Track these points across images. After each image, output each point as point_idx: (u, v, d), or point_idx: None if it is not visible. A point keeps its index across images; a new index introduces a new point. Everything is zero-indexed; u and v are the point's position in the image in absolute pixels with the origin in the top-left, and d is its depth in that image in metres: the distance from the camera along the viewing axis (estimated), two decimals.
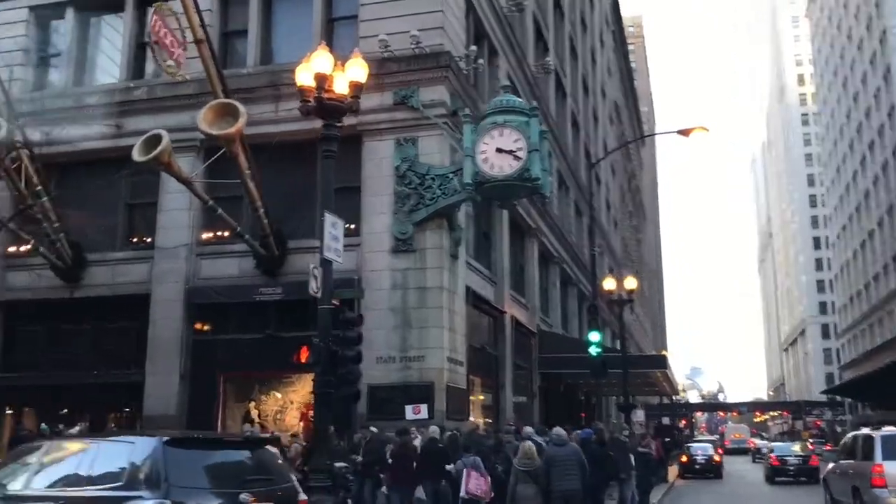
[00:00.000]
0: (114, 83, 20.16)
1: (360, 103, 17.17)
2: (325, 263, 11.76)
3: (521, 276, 25.79)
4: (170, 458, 7.26)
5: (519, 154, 15.04)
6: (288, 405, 19.02)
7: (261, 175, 16.92)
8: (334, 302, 11.87)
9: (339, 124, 12.14)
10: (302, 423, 18.15)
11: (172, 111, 18.60)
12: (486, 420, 21.44)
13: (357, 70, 12.28)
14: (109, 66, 20.69)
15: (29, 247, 18.73)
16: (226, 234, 18.52)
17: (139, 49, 20.22)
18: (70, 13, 20.78)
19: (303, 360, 12.57)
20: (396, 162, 17.53)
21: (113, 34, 20.97)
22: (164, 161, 15.20)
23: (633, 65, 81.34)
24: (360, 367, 12.16)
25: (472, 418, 19.27)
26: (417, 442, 14.43)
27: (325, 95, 11.81)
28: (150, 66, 20.04)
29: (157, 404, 17.85)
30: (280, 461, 8.87)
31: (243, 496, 7.41)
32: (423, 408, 16.36)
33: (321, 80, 11.82)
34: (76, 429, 16.17)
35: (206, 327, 18.61)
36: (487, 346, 21.95)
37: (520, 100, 16.67)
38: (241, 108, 14.77)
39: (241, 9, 19.92)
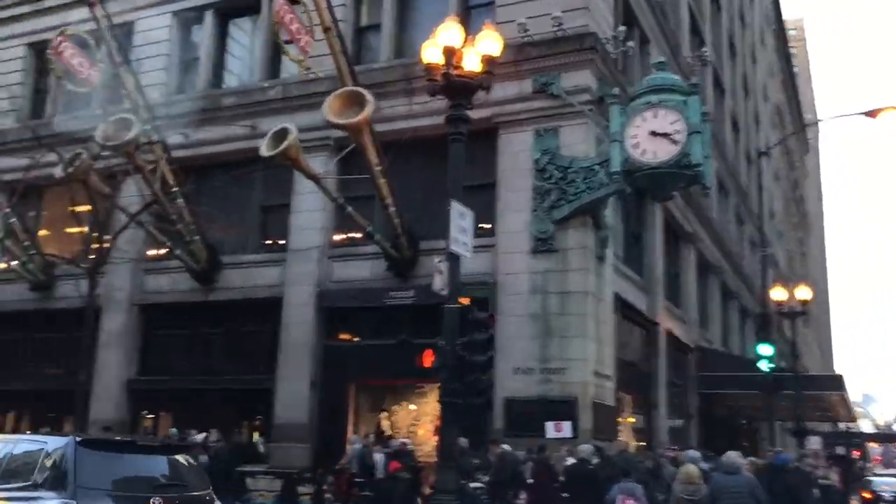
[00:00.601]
0: (249, 84, 19.90)
1: (496, 93, 16.00)
2: (452, 258, 10.46)
3: (675, 286, 23.53)
4: (80, 460, 7.13)
5: (676, 137, 13.18)
6: (421, 417, 17.87)
7: (392, 173, 15.96)
8: (462, 301, 10.54)
9: (468, 105, 10.88)
10: (437, 438, 16.91)
11: (306, 110, 17.95)
12: (639, 444, 19.40)
13: (489, 43, 10.93)
14: (245, 68, 20.51)
15: (166, 250, 18.66)
16: (357, 235, 17.67)
17: (274, 50, 19.82)
18: (209, 17, 20.78)
19: (426, 365, 11.34)
20: (536, 154, 16.06)
21: (249, 37, 20.80)
22: (292, 156, 14.51)
23: (794, 69, 75.94)
24: (494, 376, 10.83)
25: (620, 439, 17.37)
26: (568, 462, 12.89)
27: (454, 72, 10.58)
28: (284, 67, 19.70)
29: (288, 412, 17.17)
30: (197, 468, 8.61)
31: (154, 501, 7.27)
32: (566, 425, 14.72)
33: (449, 54, 10.60)
34: (202, 436, 15.68)
35: (336, 332, 17.79)
36: (638, 361, 19.94)
37: (676, 77, 14.81)
38: (369, 95, 13.81)
39: (375, 2, 19.18)
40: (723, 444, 23.06)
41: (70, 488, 6.94)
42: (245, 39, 20.88)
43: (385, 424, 17.83)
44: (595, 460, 12.79)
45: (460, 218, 10.64)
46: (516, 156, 16.28)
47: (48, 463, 7.24)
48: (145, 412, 19.62)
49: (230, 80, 20.69)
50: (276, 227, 18.91)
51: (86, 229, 17.84)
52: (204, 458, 15.02)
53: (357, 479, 14.55)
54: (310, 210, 17.98)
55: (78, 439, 7.46)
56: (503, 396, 15.09)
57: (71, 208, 18.38)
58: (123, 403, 19.14)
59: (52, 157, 18.18)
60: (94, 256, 15.56)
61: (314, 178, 15.18)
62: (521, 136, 16.36)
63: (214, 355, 18.89)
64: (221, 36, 20.98)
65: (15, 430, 20.71)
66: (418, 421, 17.87)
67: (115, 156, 17.29)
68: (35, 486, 7.12)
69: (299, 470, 15.49)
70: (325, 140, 17.63)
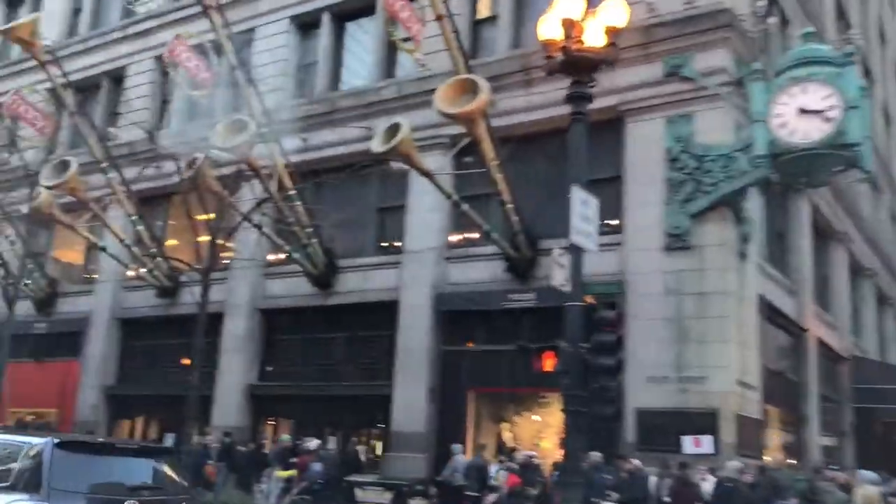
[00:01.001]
0: (365, 85, 19.52)
1: (622, 78, 14.98)
2: (574, 250, 9.44)
3: (825, 289, 21.36)
4: (56, 462, 7.14)
5: (830, 114, 11.63)
6: (546, 428, 16.79)
7: (510, 169, 15.08)
8: (587, 300, 9.49)
9: (591, 83, 9.89)
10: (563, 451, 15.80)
11: (420, 108, 17.24)
12: (789, 462, 17.54)
13: (614, 12, 9.90)
14: (361, 69, 20.15)
15: (284, 255, 18.49)
16: (475, 236, 16.89)
17: (389, 50, 19.44)
18: (326, 20, 20.60)
19: (546, 369, 10.35)
20: (668, 143, 14.75)
21: (364, 38, 20.46)
22: (405, 151, 13.85)
23: None
24: (624, 384, 9.70)
25: (766, 458, 15.68)
26: (707, 486, 11.59)
27: (574, 46, 9.62)
28: (399, 67, 19.24)
29: (405, 420, 16.51)
30: (178, 472, 8.47)
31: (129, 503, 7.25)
32: (706, 440, 13.32)
33: (569, 27, 9.67)
34: (314, 443, 15.20)
35: (454, 337, 16.98)
36: (786, 370, 18.07)
37: (827, 47, 13.17)
38: (483, 82, 12.96)
39: None
40: (882, 466, 20.76)
41: (44, 490, 6.96)
42: (361, 41, 20.55)
43: (507, 436, 16.87)
44: (746, 478, 11.39)
45: (583, 206, 9.61)
46: (646, 145, 15.02)
47: (25, 464, 7.25)
48: (266, 418, 19.47)
49: (347, 83, 20.37)
50: (392, 228, 18.38)
51: (205, 235, 17.83)
52: (317, 466, 14.57)
53: (469, 494, 13.62)
54: (426, 210, 17.34)
55: (56, 441, 7.44)
56: (635, 407, 13.83)
57: (192, 214, 18.45)
58: (244, 409, 19.05)
59: (174, 165, 18.35)
60: (208, 261, 15.43)
61: (428, 175, 14.48)
62: (651, 124, 15.09)
63: (333, 360, 18.53)
64: (338, 38, 20.74)
65: (144, 436, 21.18)
66: (543, 432, 16.81)
67: (233, 161, 17.23)
68: (11, 488, 7.10)
69: (411, 482, 14.75)
70: (439, 138, 16.99)
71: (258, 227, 17.16)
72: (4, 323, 20.18)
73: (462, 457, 14.85)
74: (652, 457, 13.14)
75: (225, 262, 20.28)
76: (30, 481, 7.08)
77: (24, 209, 20.61)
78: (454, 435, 15.90)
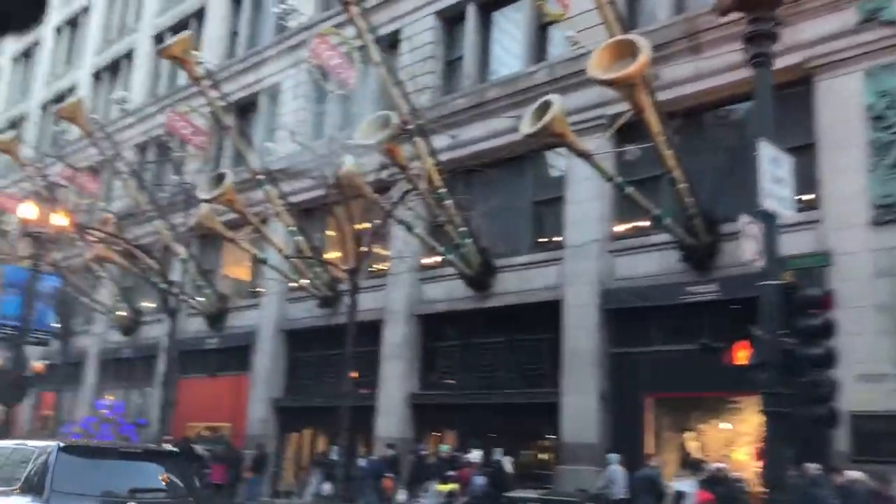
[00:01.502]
0: (515, 72, 18.38)
1: (807, 31, 12.99)
2: (766, 217, 7.81)
3: None
4: (60, 465, 7.44)
5: None
6: (738, 437, 14.81)
7: (680, 148, 13.43)
8: (786, 277, 7.81)
9: (773, 20, 8.27)
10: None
11: (576, 89, 15.96)
12: None
13: None
14: (509, 58, 19.04)
15: (439, 258, 17.65)
16: (642, 224, 15.26)
17: (539, 31, 18.25)
18: (471, 10, 19.68)
19: (735, 362, 8.66)
20: (868, 99, 12.57)
21: (512, 25, 19.36)
22: (557, 130, 12.57)
23: None
24: (836, 378, 7.90)
25: None
26: None
27: None
28: (550, 49, 17.98)
29: (576, 430, 15.10)
30: (183, 476, 8.57)
31: None
32: None
33: None
34: (475, 454, 14.07)
35: (625, 337, 15.36)
36: None
37: None
38: (642, 40, 11.46)
39: None
40: None
41: (46, 493, 7.24)
42: (508, 29, 19.47)
43: (692, 446, 15.02)
44: None
45: (773, 165, 7.95)
46: (842, 104, 12.86)
47: (32, 468, 7.61)
48: (430, 429, 18.60)
49: (496, 73, 19.32)
50: (550, 222, 17.06)
51: (355, 241, 17.32)
52: (480, 479, 13.46)
53: None
54: (586, 200, 15.92)
55: (61, 445, 7.81)
56: (848, 411, 11.68)
57: (346, 221, 18.04)
58: (407, 419, 18.31)
59: (327, 175, 18.02)
60: (354, 264, 14.83)
61: (585, 156, 13.10)
62: (847, 79, 12.92)
63: (494, 367, 17.41)
64: (485, 28, 19.75)
65: (311, 449, 20.98)
66: (734, 442, 14.83)
67: (378, 164, 16.65)
68: (20, 491, 7.48)
69: (580, 498, 13.25)
70: (598, 119, 15.54)
71: (407, 225, 16.38)
72: (170, 340, 20.67)
73: (619, 468, 13.29)
74: (867, 469, 11.02)
75: (381, 268, 19.86)
76: (35, 484, 7.44)
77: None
78: (631, 446, 14.28)
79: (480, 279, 17.23)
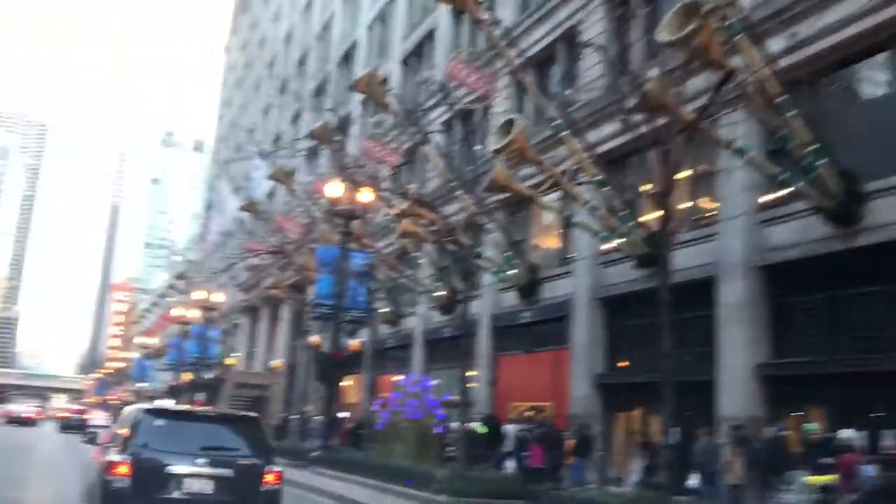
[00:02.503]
0: None
1: None
2: None
3: None
4: (143, 425, 8.81)
5: None
6: None
7: None
8: None
9: None
10: None
11: None
12: None
13: None
14: None
15: (784, 188, 13.96)
16: None
17: None
18: None
19: None
20: None
21: None
22: None
23: None
24: None
25: None
26: None
27: None
28: None
29: None
30: (255, 438, 9.35)
31: (197, 460, 8.55)
32: None
33: None
34: (848, 433, 10.29)
35: None
36: None
37: None
38: None
39: None
40: None
41: (131, 446, 8.55)
42: None
43: None
44: None
45: None
46: None
47: (127, 426, 8.95)
48: (789, 407, 14.86)
49: None
50: None
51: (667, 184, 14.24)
52: (869, 468, 9.79)
53: None
54: None
55: (145, 408, 9.49)
56: None
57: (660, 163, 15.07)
58: (755, 395, 14.82)
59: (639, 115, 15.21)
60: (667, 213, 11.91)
61: None
62: None
63: (872, 325, 13.30)
64: None
65: (643, 431, 18.20)
66: None
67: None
68: (117, 445, 8.82)
69: None
70: None
71: (738, 150, 12.98)
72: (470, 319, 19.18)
73: None
74: None
75: (709, 215, 16.60)
76: (125, 440, 8.69)
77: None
78: None
79: (844, 211, 13.21)
